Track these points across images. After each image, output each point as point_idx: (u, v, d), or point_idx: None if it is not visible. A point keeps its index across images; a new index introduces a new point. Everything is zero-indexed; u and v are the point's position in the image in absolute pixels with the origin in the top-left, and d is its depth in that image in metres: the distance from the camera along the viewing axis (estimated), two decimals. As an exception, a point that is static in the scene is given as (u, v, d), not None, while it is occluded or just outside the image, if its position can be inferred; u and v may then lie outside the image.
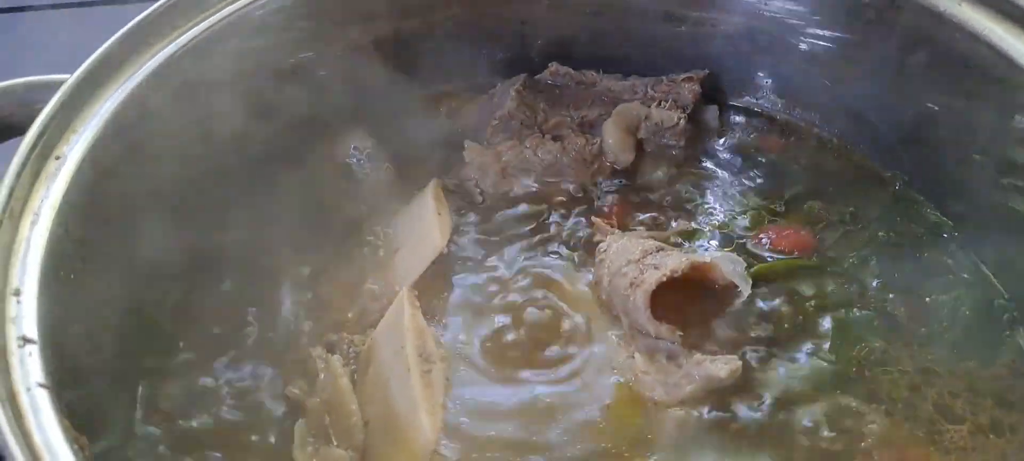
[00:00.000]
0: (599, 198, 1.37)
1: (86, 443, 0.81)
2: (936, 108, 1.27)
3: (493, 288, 1.24)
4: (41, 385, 0.80)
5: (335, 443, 1.05)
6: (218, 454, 1.05)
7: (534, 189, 1.38)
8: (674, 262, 1.16)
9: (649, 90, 1.46)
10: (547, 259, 1.28)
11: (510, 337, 1.18)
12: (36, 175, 0.95)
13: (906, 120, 1.33)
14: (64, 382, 0.83)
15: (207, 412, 1.07)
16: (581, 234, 1.31)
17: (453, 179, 1.39)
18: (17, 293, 0.86)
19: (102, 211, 1.00)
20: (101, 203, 1.00)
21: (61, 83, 1.03)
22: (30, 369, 0.81)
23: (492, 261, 1.28)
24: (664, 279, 1.14)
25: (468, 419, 1.08)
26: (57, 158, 0.97)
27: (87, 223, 0.97)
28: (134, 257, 1.05)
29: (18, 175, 0.93)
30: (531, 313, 1.21)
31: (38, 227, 0.92)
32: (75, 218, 0.96)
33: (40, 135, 0.98)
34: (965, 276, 1.23)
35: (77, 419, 0.82)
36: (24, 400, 0.79)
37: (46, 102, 1.00)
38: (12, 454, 0.74)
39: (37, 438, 0.77)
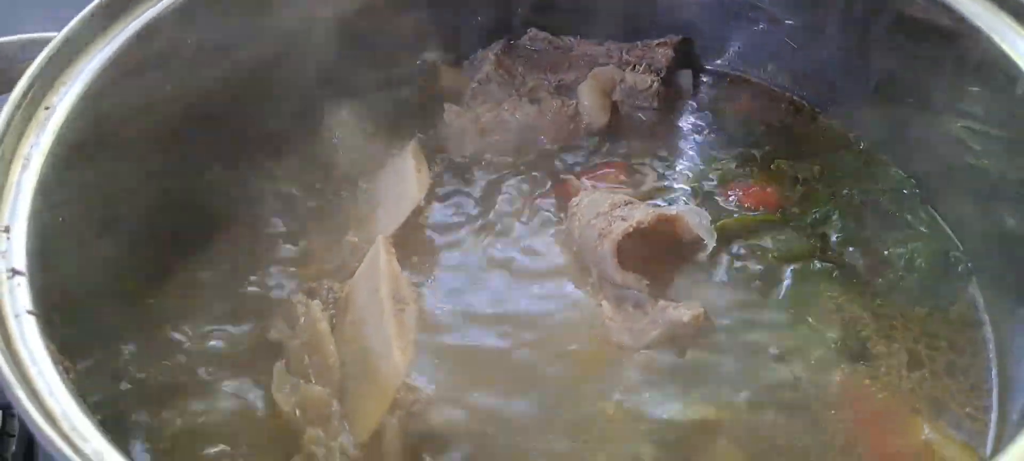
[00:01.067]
0: (574, 158, 1.42)
1: (71, 366, 0.86)
2: (899, 71, 1.32)
3: (469, 241, 1.29)
4: (29, 312, 0.86)
5: (314, 381, 1.10)
6: (206, 398, 1.10)
7: (512, 149, 1.42)
8: (641, 214, 1.21)
9: (624, 54, 1.50)
10: (522, 215, 1.33)
11: (482, 286, 1.23)
12: (26, 123, 1.01)
13: (871, 83, 1.37)
14: (51, 311, 0.89)
15: (189, 349, 1.12)
16: (555, 191, 1.36)
17: (433, 140, 1.43)
18: (7, 230, 0.92)
19: (90, 159, 1.05)
20: (88, 152, 1.05)
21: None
22: (19, 298, 0.87)
23: (469, 217, 1.33)
24: (630, 230, 1.18)
25: (437, 360, 1.13)
26: (46, 108, 1.03)
27: (75, 170, 1.02)
28: (120, 205, 1.10)
29: (9, 123, 0.98)
30: (504, 264, 1.26)
31: (28, 172, 0.97)
32: (63, 165, 1.01)
33: (29, 87, 1.03)
34: (923, 230, 1.28)
35: (63, 344, 0.87)
36: (13, 325, 0.85)
37: (37, 57, 1.05)
38: (4, 374, 0.79)
39: (26, 360, 0.82)
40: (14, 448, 1.18)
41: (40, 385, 0.80)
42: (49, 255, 0.94)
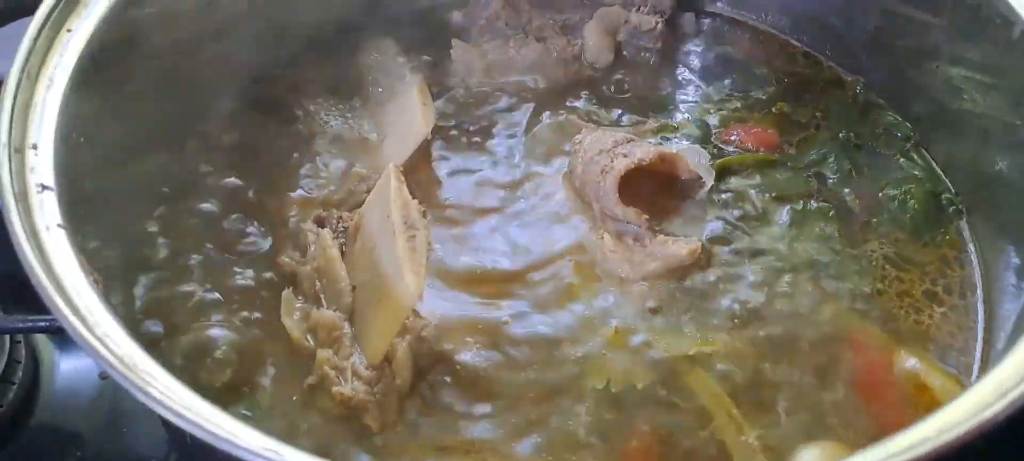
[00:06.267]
0: (578, 96, 1.45)
1: (99, 278, 0.89)
2: (898, 16, 1.35)
3: (473, 175, 1.33)
4: (59, 226, 0.89)
5: (326, 306, 1.14)
6: (219, 316, 1.14)
7: (516, 87, 1.45)
8: (642, 151, 1.24)
9: (629, -4, 1.53)
10: (526, 149, 1.36)
11: (486, 219, 1.27)
12: (50, 44, 1.04)
13: (869, 28, 1.41)
14: (79, 225, 0.92)
15: (205, 271, 1.17)
16: (559, 128, 1.39)
17: (440, 75, 1.46)
18: (35, 147, 0.95)
19: (109, 80, 1.08)
20: (108, 72, 1.08)
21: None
22: (48, 211, 0.90)
23: (474, 151, 1.36)
24: (632, 166, 1.22)
25: (442, 288, 1.18)
26: (68, 30, 1.05)
27: (96, 90, 1.05)
28: (138, 126, 1.13)
29: (34, 42, 1.01)
30: (508, 199, 1.30)
31: (52, 91, 1.00)
32: (85, 85, 1.04)
33: (51, 11, 1.06)
34: (916, 173, 1.32)
35: (92, 257, 0.91)
36: (45, 237, 0.88)
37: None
38: (39, 280, 0.83)
39: (58, 269, 0.86)
40: (20, 374, 1.23)
41: (74, 295, 0.83)
42: (75, 171, 0.97)
